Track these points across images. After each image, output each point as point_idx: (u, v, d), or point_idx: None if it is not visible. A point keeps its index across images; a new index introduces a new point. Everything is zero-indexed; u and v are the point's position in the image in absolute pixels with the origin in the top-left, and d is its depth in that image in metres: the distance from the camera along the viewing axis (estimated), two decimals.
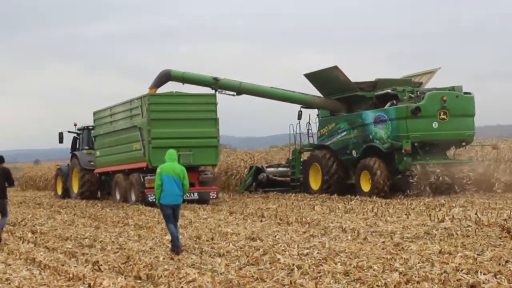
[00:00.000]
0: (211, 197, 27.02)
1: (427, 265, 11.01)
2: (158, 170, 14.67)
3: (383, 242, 13.85)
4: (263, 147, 48.91)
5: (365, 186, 26.97)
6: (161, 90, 30.32)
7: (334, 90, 29.55)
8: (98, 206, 27.00)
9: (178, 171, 14.58)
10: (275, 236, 15.49)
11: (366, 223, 17.30)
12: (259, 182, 32.36)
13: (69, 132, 35.36)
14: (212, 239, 15.60)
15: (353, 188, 27.96)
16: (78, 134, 35.15)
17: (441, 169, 25.89)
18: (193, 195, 26.42)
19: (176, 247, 14.13)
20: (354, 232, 15.56)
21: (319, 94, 30.63)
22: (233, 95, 30.86)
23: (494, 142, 31.57)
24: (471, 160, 28.31)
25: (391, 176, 26.40)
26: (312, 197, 27.08)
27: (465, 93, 27.24)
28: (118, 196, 28.94)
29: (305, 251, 12.95)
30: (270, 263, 11.93)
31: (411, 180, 25.69)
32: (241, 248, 13.93)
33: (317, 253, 12.70)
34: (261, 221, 19.05)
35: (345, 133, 28.84)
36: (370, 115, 27.60)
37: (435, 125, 26.34)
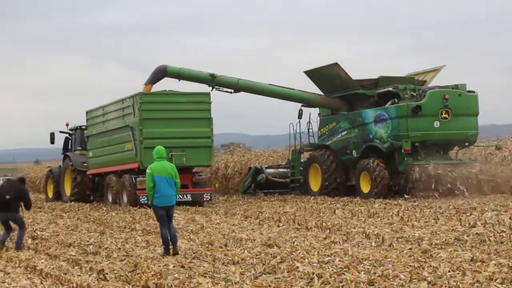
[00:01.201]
0: (205, 199, 27.78)
1: (458, 274, 10.95)
2: (148, 171, 14.95)
3: (410, 249, 13.80)
4: (280, 146, 48.87)
5: (365, 187, 27.73)
6: (157, 86, 31.20)
7: (334, 88, 30.39)
8: (103, 210, 27.08)
9: (170, 170, 14.94)
10: (293, 243, 15.47)
11: (391, 228, 17.26)
12: (258, 183, 33.10)
13: (60, 132, 36.34)
14: (226, 245, 15.60)
15: (354, 189, 28.74)
16: (70, 134, 36.08)
17: (443, 170, 26.52)
18: (186, 197, 27.14)
19: (165, 251, 14.69)
20: (379, 238, 15.52)
21: (319, 92, 31.39)
22: (231, 93, 31.74)
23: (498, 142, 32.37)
24: (476, 160, 29.13)
25: (391, 177, 27.27)
26: (333, 200, 27.05)
27: (469, 91, 28.03)
28: (110, 198, 29.75)
29: (326, 259, 12.92)
30: (288, 272, 11.90)
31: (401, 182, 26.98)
32: (256, 255, 13.91)
33: (339, 260, 12.66)
34: (278, 226, 19.04)
35: (345, 132, 29.78)
36: (370, 113, 28.52)
37: (436, 124, 27.20)
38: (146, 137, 27.35)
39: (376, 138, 28.04)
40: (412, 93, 27.95)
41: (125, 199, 28.28)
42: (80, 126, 35.07)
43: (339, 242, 15.24)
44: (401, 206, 23.10)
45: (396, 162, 27.39)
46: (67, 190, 34.18)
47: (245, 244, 15.66)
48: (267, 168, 33.83)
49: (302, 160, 32.53)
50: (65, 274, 12.93)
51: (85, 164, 32.89)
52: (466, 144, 28.35)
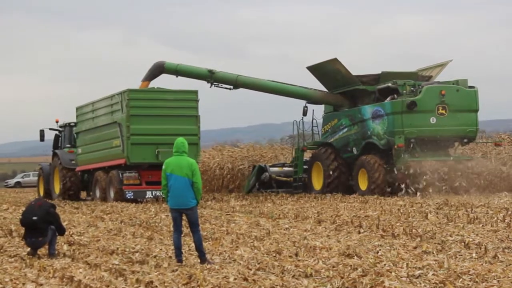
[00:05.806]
0: None
1: None
2: (163, 166, 15.48)
3: None
4: None
5: (363, 184, 32.01)
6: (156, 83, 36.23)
7: (336, 84, 34.61)
8: (151, 212, 27.33)
9: (185, 168, 15.21)
10: (378, 252, 15.47)
11: (496, 236, 17.15)
12: (262, 182, 37.34)
13: (50, 129, 41.31)
14: (296, 255, 15.64)
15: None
16: (59, 131, 40.86)
17: (438, 167, 30.24)
18: None
19: (177, 260, 15.25)
20: (481, 248, 15.43)
21: (323, 88, 35.55)
22: (230, 89, 36.23)
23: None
24: (471, 157, 33.14)
25: (388, 174, 30.78)
26: (424, 202, 26.95)
27: (469, 87, 31.57)
28: (98, 194, 35.22)
29: (417, 272, 12.87)
30: (371, 287, 11.86)
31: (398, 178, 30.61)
32: (333, 267, 13.92)
33: (433, 274, 12.62)
34: (359, 232, 19.05)
35: (346, 129, 33.97)
36: (368, 110, 32.47)
37: (432, 120, 31.05)
38: (133, 133, 32.62)
39: (373, 135, 31.85)
40: (412, 88, 31.35)
41: (112, 194, 33.68)
42: (69, 123, 39.85)
43: (433, 253, 15.19)
44: (508, 210, 22.86)
45: (393, 159, 30.80)
46: (57, 188, 38.86)
47: (319, 253, 15.69)
48: (271, 166, 37.96)
49: (305, 159, 36.39)
50: (108, 286, 13.06)
51: (73, 162, 37.71)
52: (465, 140, 31.85)
